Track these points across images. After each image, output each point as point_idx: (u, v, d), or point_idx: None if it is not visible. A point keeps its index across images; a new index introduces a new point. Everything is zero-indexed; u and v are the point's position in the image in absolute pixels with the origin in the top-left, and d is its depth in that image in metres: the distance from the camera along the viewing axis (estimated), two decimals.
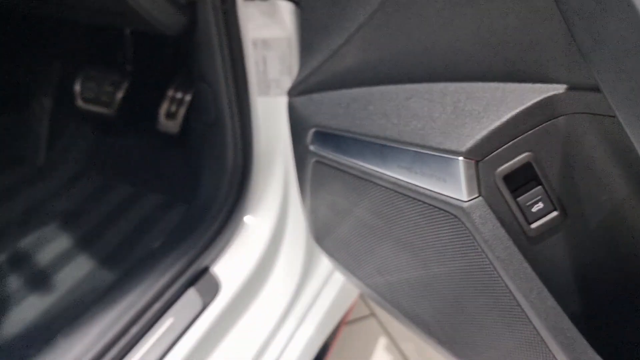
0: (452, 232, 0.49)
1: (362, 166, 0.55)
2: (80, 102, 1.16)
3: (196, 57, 0.86)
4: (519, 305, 0.47)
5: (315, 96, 0.61)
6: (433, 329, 0.59)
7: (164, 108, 1.12)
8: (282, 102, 0.86)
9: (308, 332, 0.91)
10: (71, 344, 0.70)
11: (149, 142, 1.18)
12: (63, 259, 1.04)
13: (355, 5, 0.54)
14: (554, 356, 0.46)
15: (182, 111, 1.11)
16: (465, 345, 0.55)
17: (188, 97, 1.11)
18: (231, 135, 0.86)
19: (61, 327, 0.75)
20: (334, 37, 0.58)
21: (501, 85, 0.46)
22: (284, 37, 0.82)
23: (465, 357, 0.56)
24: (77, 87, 1.16)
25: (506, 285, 0.47)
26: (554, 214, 0.45)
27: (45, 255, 1.05)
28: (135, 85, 1.15)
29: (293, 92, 0.66)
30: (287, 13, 0.80)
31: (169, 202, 1.11)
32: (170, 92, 1.12)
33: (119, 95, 1.14)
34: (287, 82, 0.85)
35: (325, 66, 0.59)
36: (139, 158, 1.20)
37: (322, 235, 0.72)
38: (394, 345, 1.31)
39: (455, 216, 0.48)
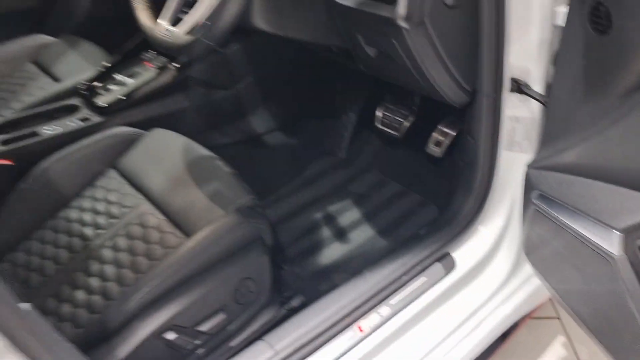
0: (605, 269, 0.89)
1: (562, 220, 0.97)
2: (378, 124, 1.72)
3: (468, 119, 1.32)
4: (635, 319, 0.85)
5: (544, 173, 1.04)
6: (587, 322, 0.99)
7: (433, 137, 1.61)
8: (519, 157, 1.28)
9: (506, 310, 1.34)
10: (372, 275, 1.24)
11: (417, 159, 1.70)
12: (355, 224, 1.62)
13: (580, 130, 0.95)
14: None
15: (446, 142, 1.59)
16: (603, 334, 0.95)
17: (452, 133, 1.58)
18: (481, 173, 1.31)
19: (358, 267, 1.31)
20: (563, 142, 1.00)
21: None
22: (529, 117, 1.23)
23: (602, 342, 0.95)
24: (379, 113, 1.72)
25: (630, 306, 0.86)
26: None
27: (344, 219, 1.64)
28: (418, 119, 1.67)
29: (531, 166, 1.09)
30: (535, 104, 1.21)
31: (424, 202, 1.62)
32: (440, 126, 1.61)
33: (406, 124, 1.67)
34: (526, 145, 1.26)
35: (553, 158, 1.01)
36: (407, 167, 1.73)
37: (530, 251, 1.15)
38: (570, 344, 1.66)
39: (609, 261, 0.87)
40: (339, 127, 1.86)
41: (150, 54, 1.66)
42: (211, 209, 1.18)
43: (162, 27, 1.15)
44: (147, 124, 1.54)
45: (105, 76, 1.64)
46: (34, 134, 1.44)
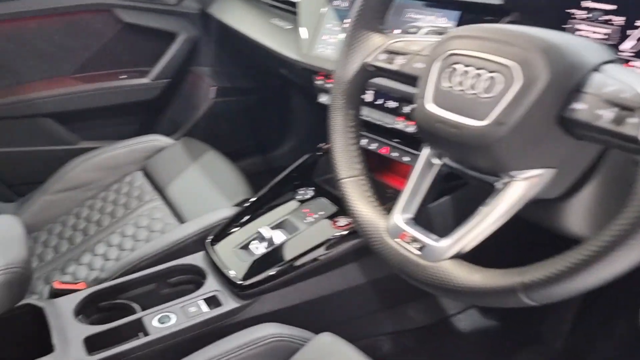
0: None
1: None
2: None
3: None
4: None
5: None
6: None
7: None
8: None
9: None
10: None
11: None
12: None
13: None
14: None
15: None
16: None
17: None
18: None
19: None
20: None
21: None
22: None
23: None
24: None
25: None
26: None
27: None
28: None
29: None
30: None
31: None
32: None
33: None
34: None
35: None
36: None
37: None
38: None
39: None
40: (559, 306, 1.20)
41: (311, 192, 1.08)
42: None
43: (401, 230, 0.56)
44: (301, 312, 0.96)
45: (242, 220, 1.07)
46: (139, 331, 0.87)
